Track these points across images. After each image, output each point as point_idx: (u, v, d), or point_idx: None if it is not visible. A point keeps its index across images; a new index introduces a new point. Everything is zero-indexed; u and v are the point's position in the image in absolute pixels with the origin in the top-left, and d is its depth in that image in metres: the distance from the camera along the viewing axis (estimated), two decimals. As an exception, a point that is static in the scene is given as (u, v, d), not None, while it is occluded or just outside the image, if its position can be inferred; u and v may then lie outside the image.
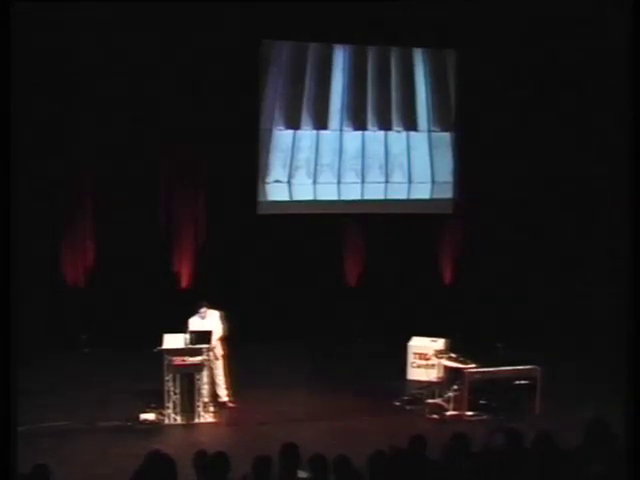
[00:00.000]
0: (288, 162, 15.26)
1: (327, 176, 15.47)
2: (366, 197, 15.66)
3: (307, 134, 15.31)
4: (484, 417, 11.00)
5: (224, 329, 11.46)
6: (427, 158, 15.88)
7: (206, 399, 11.11)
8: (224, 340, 11.51)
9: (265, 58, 14.81)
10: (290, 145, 15.24)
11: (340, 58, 15.29)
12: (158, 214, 14.56)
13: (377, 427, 10.66)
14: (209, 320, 11.38)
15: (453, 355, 11.82)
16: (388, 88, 15.56)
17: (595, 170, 15.11)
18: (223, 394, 11.56)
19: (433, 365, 12.27)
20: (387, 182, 15.72)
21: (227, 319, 11.55)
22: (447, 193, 16.00)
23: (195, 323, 11.35)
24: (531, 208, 15.53)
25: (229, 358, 11.58)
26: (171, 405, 10.87)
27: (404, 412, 11.47)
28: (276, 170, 15.20)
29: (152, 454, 5.99)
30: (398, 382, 12.77)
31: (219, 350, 11.41)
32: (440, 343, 12.84)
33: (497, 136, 15.33)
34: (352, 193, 15.59)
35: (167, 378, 10.87)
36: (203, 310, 11.35)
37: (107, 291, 14.21)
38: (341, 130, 15.47)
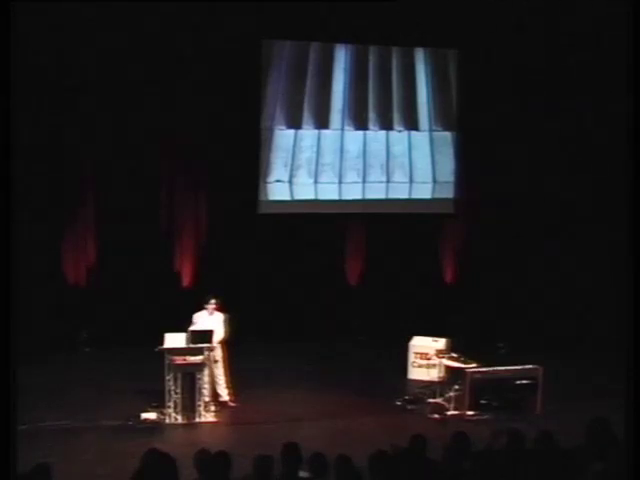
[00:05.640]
0: (289, 162, 15.25)
1: (328, 176, 15.47)
2: (367, 197, 15.65)
3: (308, 133, 15.30)
4: (485, 417, 11.00)
5: (226, 332, 11.44)
6: (428, 158, 15.87)
7: (207, 398, 11.10)
8: (224, 343, 11.50)
9: (266, 58, 14.81)
10: (291, 145, 15.24)
11: (341, 57, 15.29)
12: (159, 214, 14.56)
13: (378, 427, 10.66)
14: (214, 319, 11.36)
15: (454, 355, 11.82)
16: (389, 88, 15.56)
17: (596, 170, 15.11)
18: (224, 393, 11.56)
19: (434, 365, 12.27)
20: (388, 182, 15.72)
21: (231, 323, 11.53)
22: (448, 193, 15.99)
23: (201, 317, 11.34)
24: (531, 208, 15.52)
25: (229, 357, 11.57)
26: (172, 404, 10.87)
27: (405, 412, 11.47)
28: (277, 169, 15.20)
29: (149, 453, 5.99)
30: (399, 382, 12.78)
31: (218, 352, 11.39)
32: (441, 343, 12.84)
33: (497, 136, 15.32)
34: (353, 193, 15.59)
35: (168, 377, 10.87)
36: (212, 305, 11.32)
37: (108, 290, 14.21)
38: (342, 130, 15.46)
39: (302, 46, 15.08)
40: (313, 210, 15.30)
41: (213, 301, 11.34)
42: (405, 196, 15.80)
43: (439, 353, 12.14)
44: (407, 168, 15.78)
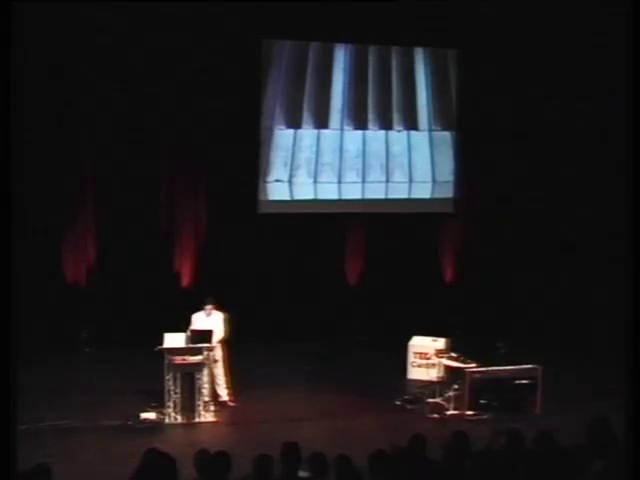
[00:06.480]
0: (289, 161, 15.26)
1: (328, 175, 15.47)
2: (367, 196, 15.65)
3: (308, 133, 15.31)
4: (485, 416, 11.00)
5: (226, 331, 11.45)
6: (428, 157, 15.88)
7: (207, 398, 11.10)
8: (224, 343, 11.50)
9: (266, 58, 14.81)
10: (291, 144, 15.24)
11: (341, 57, 15.29)
12: (159, 214, 14.56)
13: (377, 426, 10.67)
14: (213, 320, 11.38)
15: (454, 354, 11.82)
16: (389, 87, 15.56)
17: (596, 171, 15.11)
18: (224, 393, 11.56)
19: (434, 364, 12.27)
20: (388, 181, 15.72)
21: (230, 323, 11.54)
22: (448, 192, 15.99)
23: (199, 319, 11.37)
24: (531, 207, 15.53)
25: (229, 357, 11.58)
26: (172, 404, 10.87)
27: (404, 411, 11.47)
28: (277, 169, 15.20)
29: (149, 452, 5.99)
30: (399, 381, 12.78)
31: (218, 352, 11.40)
32: (441, 342, 12.85)
33: (497, 136, 15.34)
34: (353, 192, 15.59)
35: (168, 377, 10.87)
36: (209, 307, 11.35)
37: (107, 290, 14.21)
38: (342, 129, 15.47)
39: (302, 46, 15.08)
40: (313, 210, 15.31)
41: (210, 306, 11.35)
42: (405, 196, 15.80)
43: (439, 353, 12.15)
44: (406, 168, 15.78)
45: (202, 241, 14.85)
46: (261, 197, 15.14)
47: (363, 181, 15.62)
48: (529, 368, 11.51)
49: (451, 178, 15.96)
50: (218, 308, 11.48)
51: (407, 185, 15.80)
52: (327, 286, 15.25)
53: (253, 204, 15.02)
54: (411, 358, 13.12)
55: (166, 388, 10.88)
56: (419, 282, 15.43)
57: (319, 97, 15.27)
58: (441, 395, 11.44)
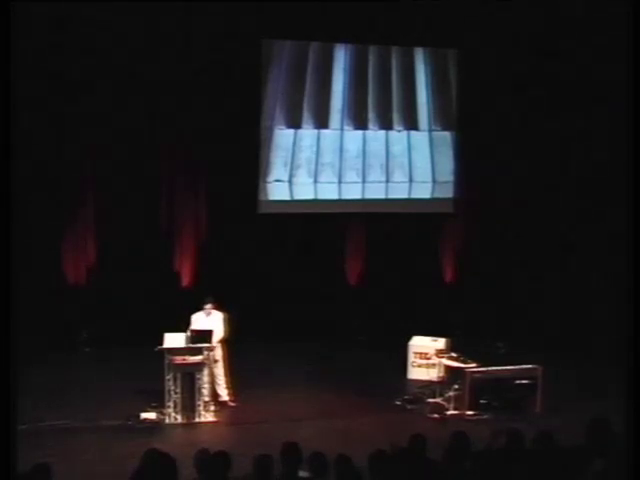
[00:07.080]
0: (289, 161, 15.26)
1: (328, 175, 15.47)
2: (367, 196, 15.66)
3: (308, 133, 15.31)
4: (485, 416, 11.00)
5: (225, 331, 11.45)
6: (428, 157, 15.88)
7: (207, 398, 11.11)
8: (224, 342, 11.50)
9: (266, 57, 14.81)
10: (291, 144, 15.24)
11: (341, 57, 15.29)
12: (159, 214, 14.56)
13: (377, 426, 10.66)
14: (212, 320, 11.38)
15: (454, 354, 11.83)
16: (389, 87, 15.56)
17: (595, 171, 15.10)
18: (224, 393, 11.57)
19: (434, 364, 12.27)
20: (388, 181, 15.72)
21: (230, 322, 11.54)
22: (448, 192, 16.00)
23: (199, 319, 11.37)
24: (531, 208, 15.53)
25: (229, 357, 11.58)
26: (172, 404, 10.87)
27: (405, 411, 11.48)
28: (277, 169, 15.20)
29: (149, 452, 5.99)
30: (399, 381, 12.79)
31: (218, 352, 11.40)
32: (441, 342, 12.85)
33: (497, 136, 15.34)
34: (353, 192, 15.59)
35: (168, 377, 10.87)
36: (208, 306, 11.36)
37: (107, 290, 14.21)
38: (342, 129, 15.47)
39: (302, 46, 15.08)
40: (313, 210, 15.31)
41: (209, 305, 11.36)
42: (405, 196, 15.80)
43: (439, 353, 12.15)
44: (407, 168, 15.78)
45: (202, 241, 14.85)
46: (261, 197, 15.14)
47: (363, 181, 15.62)
48: (529, 368, 11.51)
49: (451, 178, 15.97)
50: (218, 308, 11.48)
51: (407, 185, 15.80)
52: (327, 286, 15.24)
53: (253, 204, 15.02)
54: (411, 358, 13.13)
55: (166, 388, 10.88)
56: (419, 282, 15.43)
57: (319, 97, 15.27)
58: (441, 395, 11.44)
